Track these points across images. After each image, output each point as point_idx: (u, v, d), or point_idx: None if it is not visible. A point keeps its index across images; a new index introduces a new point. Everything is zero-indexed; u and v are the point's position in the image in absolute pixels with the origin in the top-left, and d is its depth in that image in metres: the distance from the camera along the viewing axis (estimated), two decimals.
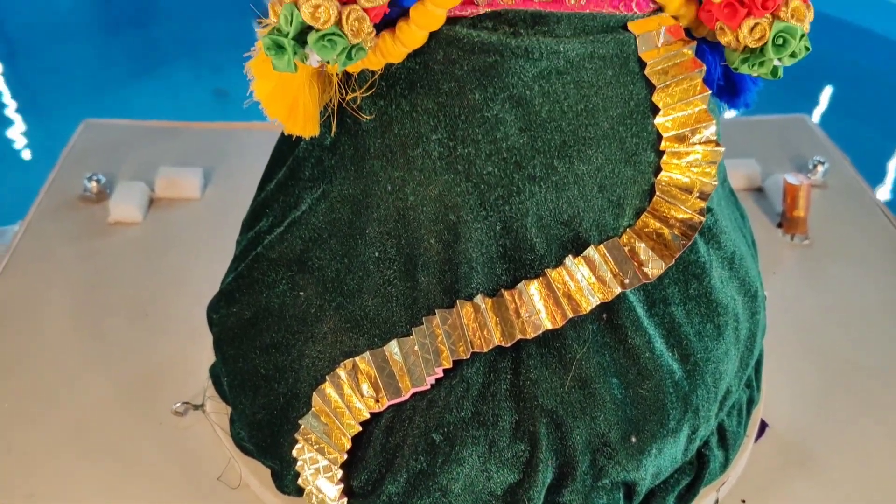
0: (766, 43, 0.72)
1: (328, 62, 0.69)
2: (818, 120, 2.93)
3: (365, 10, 0.67)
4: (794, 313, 1.21)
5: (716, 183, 0.76)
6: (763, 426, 1.02)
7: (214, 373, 1.00)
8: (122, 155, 1.50)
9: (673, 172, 0.76)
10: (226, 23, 3.38)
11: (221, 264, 1.03)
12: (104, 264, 1.26)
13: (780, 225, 1.37)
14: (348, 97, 0.77)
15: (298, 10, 0.66)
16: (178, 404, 1.02)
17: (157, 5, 3.54)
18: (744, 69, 0.74)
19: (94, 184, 1.38)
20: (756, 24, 0.71)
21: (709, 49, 0.79)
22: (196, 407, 1.02)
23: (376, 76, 0.75)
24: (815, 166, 1.47)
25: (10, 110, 2.80)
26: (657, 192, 0.76)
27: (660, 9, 0.76)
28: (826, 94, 3.32)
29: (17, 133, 2.68)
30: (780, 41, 0.72)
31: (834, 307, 1.23)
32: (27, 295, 1.20)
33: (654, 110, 0.75)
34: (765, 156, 1.52)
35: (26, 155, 2.59)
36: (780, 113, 1.77)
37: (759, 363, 1.01)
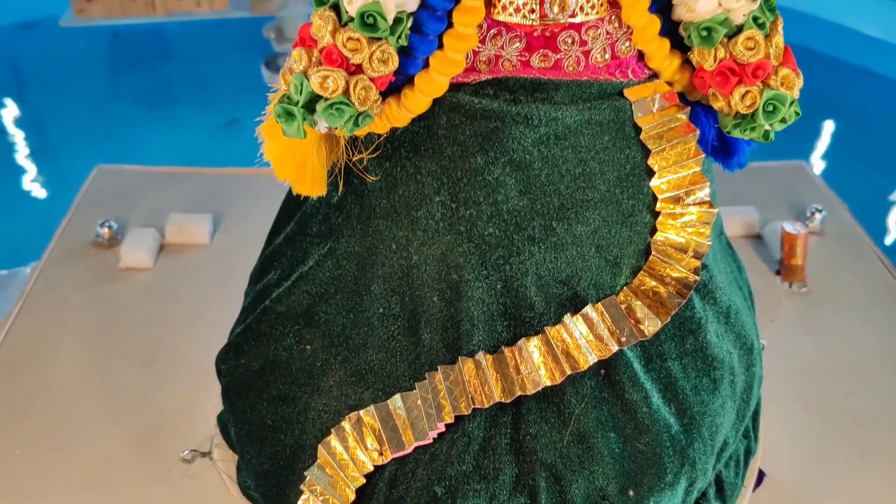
0: (756, 109, 0.75)
1: (336, 128, 0.72)
2: (819, 160, 2.96)
3: (371, 79, 0.70)
4: (793, 361, 1.23)
5: (710, 243, 0.79)
6: (761, 475, 1.03)
7: (222, 421, 1.02)
8: (134, 200, 1.53)
9: (668, 233, 0.78)
10: (234, 61, 3.44)
11: (229, 311, 1.05)
12: (115, 310, 1.28)
13: (778, 272, 1.39)
14: (355, 158, 0.80)
15: (308, 80, 0.69)
16: (186, 451, 1.04)
17: (166, 45, 3.60)
18: (736, 133, 0.77)
19: (106, 230, 1.41)
20: (747, 92, 0.74)
21: (703, 112, 0.82)
22: (204, 454, 1.04)
23: (382, 138, 0.78)
24: (812, 214, 1.49)
25: (24, 151, 2.85)
26: (653, 252, 0.78)
27: (655, 75, 0.79)
28: (826, 134, 3.35)
29: (30, 175, 2.73)
30: (771, 108, 0.74)
31: (832, 355, 1.24)
32: (39, 341, 1.22)
33: (650, 173, 0.77)
34: (763, 203, 1.54)
35: (39, 197, 2.63)
36: (780, 159, 1.80)
37: (756, 413, 1.03)
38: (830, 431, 1.12)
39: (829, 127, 3.40)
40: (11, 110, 3.13)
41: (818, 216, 1.49)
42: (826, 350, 1.25)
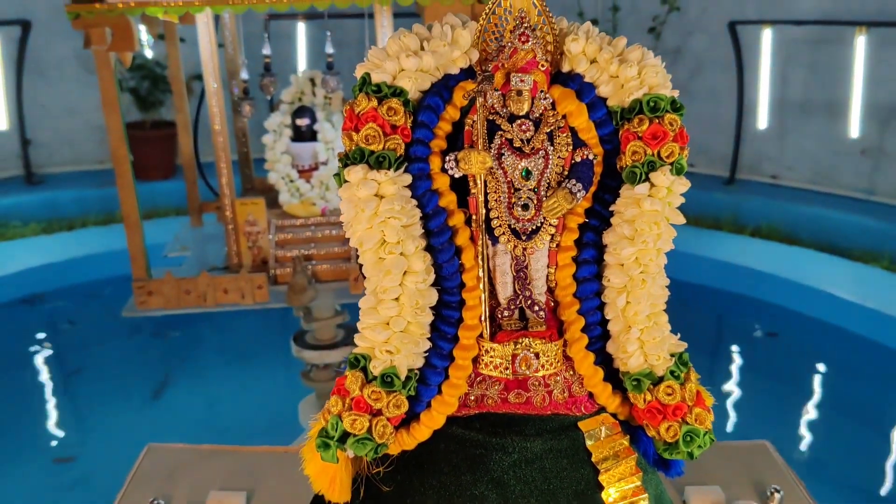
0: (678, 439, 0.97)
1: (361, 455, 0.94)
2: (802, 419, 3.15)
3: (388, 419, 0.94)
4: None
5: None
6: None
7: None
8: (179, 477, 1.72)
9: None
10: (268, 337, 3.79)
11: None
12: None
13: None
14: (374, 471, 1.01)
15: (341, 421, 0.93)
16: None
17: (211, 325, 3.98)
18: (666, 455, 0.99)
19: None
20: (670, 426, 0.97)
21: (644, 434, 1.04)
22: None
23: (394, 457, 1.00)
24: (771, 493, 1.66)
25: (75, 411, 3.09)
26: None
27: (603, 408, 1.02)
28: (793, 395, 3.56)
29: (81, 443, 2.95)
30: (689, 438, 0.97)
31: None
32: None
33: (600, 487, 0.98)
34: (729, 482, 1.72)
35: (90, 467, 2.83)
36: (746, 438, 1.99)
37: None
38: None
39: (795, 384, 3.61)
40: (70, 384, 3.42)
41: (777, 496, 1.65)
42: None
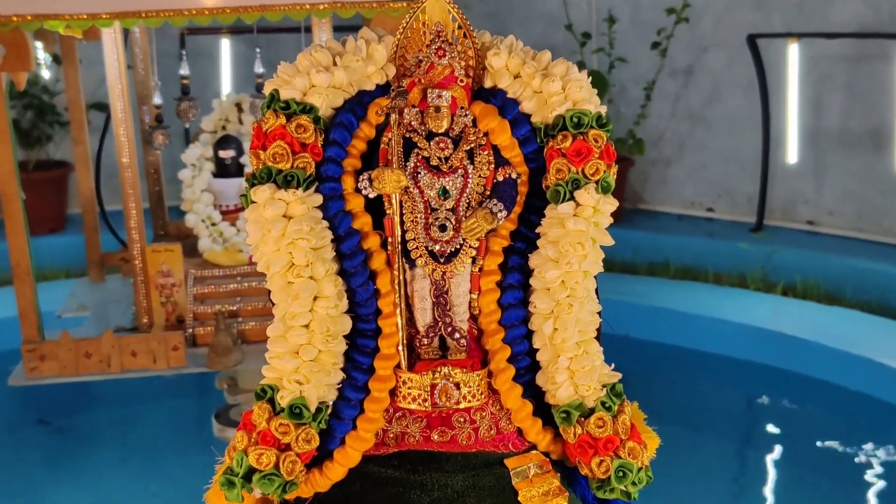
0: (610, 475, 1.15)
1: (268, 494, 1.12)
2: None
3: (298, 454, 1.12)
4: None
5: None
6: None
7: None
8: None
9: None
10: (185, 413, 3.94)
11: None
12: None
13: None
14: None
15: (247, 456, 1.11)
16: None
17: (116, 399, 4.12)
18: (600, 494, 1.17)
19: None
20: (602, 461, 1.16)
21: (581, 476, 1.22)
22: None
23: (308, 501, 1.18)
24: None
25: None
26: None
27: (534, 446, 1.20)
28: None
29: None
30: (621, 474, 1.15)
31: None
32: None
33: None
34: None
35: None
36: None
37: None
38: None
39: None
40: None
41: None
42: None
